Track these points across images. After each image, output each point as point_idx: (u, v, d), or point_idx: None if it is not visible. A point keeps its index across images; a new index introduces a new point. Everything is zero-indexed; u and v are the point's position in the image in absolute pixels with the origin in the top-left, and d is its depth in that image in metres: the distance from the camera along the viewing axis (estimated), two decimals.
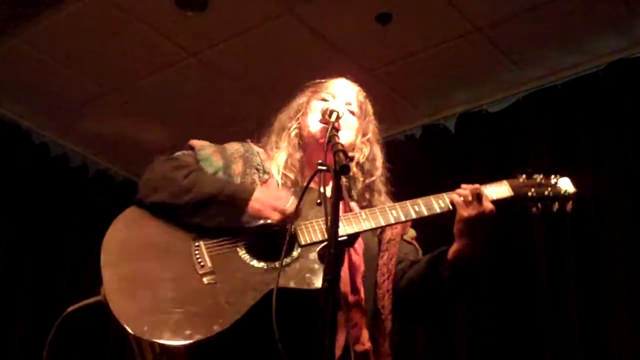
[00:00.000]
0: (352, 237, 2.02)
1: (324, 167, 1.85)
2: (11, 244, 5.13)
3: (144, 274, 1.95)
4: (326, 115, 2.15)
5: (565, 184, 2.16)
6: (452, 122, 5.00)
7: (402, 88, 4.83)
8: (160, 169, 2.18)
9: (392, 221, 2.05)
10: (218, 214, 2.02)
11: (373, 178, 2.31)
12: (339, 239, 1.78)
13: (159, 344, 1.79)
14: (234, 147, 2.31)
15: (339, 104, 2.32)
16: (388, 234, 2.23)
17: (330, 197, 1.78)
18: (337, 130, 2.11)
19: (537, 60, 4.57)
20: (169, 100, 5.15)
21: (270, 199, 2.02)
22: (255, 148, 2.34)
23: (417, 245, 2.31)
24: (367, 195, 2.28)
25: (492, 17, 4.24)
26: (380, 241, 2.22)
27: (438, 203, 2.07)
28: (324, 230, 1.96)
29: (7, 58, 4.72)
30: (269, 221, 2.01)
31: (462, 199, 2.02)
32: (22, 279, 5.13)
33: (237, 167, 2.22)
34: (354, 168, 2.29)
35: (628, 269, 3.99)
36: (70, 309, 2.07)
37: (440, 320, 4.18)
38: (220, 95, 5.05)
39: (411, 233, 2.32)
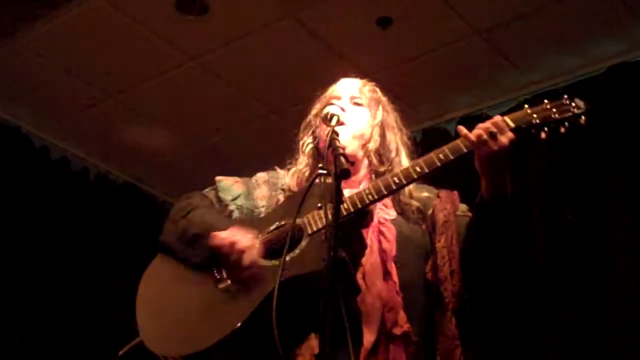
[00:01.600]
0: (362, 215, 2.04)
1: (324, 171, 1.86)
2: (11, 248, 5.12)
3: (170, 304, 2.08)
4: (326, 119, 2.15)
5: (575, 101, 2.10)
6: (453, 126, 5.00)
7: (403, 91, 4.83)
8: (173, 210, 2.28)
9: (394, 187, 2.05)
10: (198, 250, 2.10)
11: (393, 163, 2.29)
12: (344, 218, 1.87)
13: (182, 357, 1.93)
14: (258, 176, 2.37)
15: (345, 102, 2.33)
16: (440, 217, 2.19)
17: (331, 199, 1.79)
18: (338, 134, 2.10)
19: (537, 64, 4.57)
20: (170, 104, 5.15)
21: (231, 235, 2.04)
22: (281, 172, 2.38)
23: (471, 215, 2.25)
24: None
25: (492, 21, 4.24)
26: (434, 225, 2.18)
27: (438, 157, 2.08)
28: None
29: (7, 61, 4.72)
30: (281, 223, 2.08)
31: (478, 138, 2.00)
32: (22, 282, 5.12)
33: (261, 192, 2.29)
34: (371, 155, 2.29)
35: (628, 269, 3.99)
36: (121, 352, 2.20)
37: (510, 274, 4.08)
38: (221, 99, 5.05)
39: (462, 207, 2.27)
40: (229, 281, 2.02)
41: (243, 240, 2.00)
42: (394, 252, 2.09)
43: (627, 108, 4.30)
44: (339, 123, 2.14)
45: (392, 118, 2.42)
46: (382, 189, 2.04)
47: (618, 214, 4.13)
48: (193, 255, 2.10)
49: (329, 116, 2.14)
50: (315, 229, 2.01)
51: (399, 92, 4.81)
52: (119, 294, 5.41)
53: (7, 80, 4.95)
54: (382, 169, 2.28)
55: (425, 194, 2.27)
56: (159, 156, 5.66)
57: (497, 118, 2.05)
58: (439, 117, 5.09)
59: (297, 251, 1.99)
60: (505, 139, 1.99)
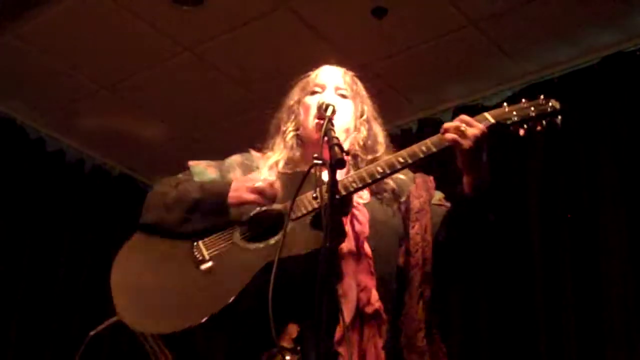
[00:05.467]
0: (344, 203, 2.06)
1: (320, 161, 1.87)
2: (6, 240, 5.12)
3: (149, 282, 2.07)
4: (322, 110, 2.15)
5: (551, 101, 2.17)
6: (448, 116, 4.99)
7: (398, 82, 4.84)
8: (154, 191, 2.28)
9: (378, 176, 2.08)
10: (206, 216, 2.10)
11: (377, 154, 2.32)
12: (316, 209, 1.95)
13: (164, 334, 1.92)
14: (232, 159, 2.35)
15: (330, 92, 2.33)
16: (416, 204, 2.23)
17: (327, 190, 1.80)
18: (333, 124, 2.11)
19: (532, 54, 4.57)
20: (164, 94, 5.15)
21: (242, 182, 2.11)
22: (256, 154, 2.37)
23: (447, 205, 2.30)
24: None
25: (487, 11, 4.24)
26: (407, 211, 2.22)
27: (421, 149, 2.11)
28: (312, 201, 2.03)
29: (2, 53, 4.71)
30: (259, 209, 2.09)
31: (455, 131, 2.06)
32: (17, 274, 5.13)
33: (234, 175, 2.27)
34: (356, 147, 2.32)
35: (624, 268, 3.99)
36: (92, 332, 2.20)
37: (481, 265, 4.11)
38: (216, 89, 5.05)
39: (438, 195, 2.31)
40: (210, 262, 2.02)
41: (260, 181, 2.06)
42: (366, 233, 2.11)
43: (622, 98, 4.30)
44: (334, 113, 2.14)
45: (372, 109, 2.44)
46: (366, 177, 2.07)
47: (613, 206, 4.13)
48: (199, 221, 2.10)
49: (324, 106, 2.14)
50: (299, 214, 2.02)
51: (394, 82, 4.82)
52: None
53: (1, 72, 4.94)
54: (366, 159, 2.30)
55: (402, 177, 2.29)
56: (154, 147, 5.66)
57: (472, 117, 2.13)
58: (434, 107, 5.09)
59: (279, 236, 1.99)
60: (476, 130, 2.06)
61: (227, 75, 4.93)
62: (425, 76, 4.83)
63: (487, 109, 5.00)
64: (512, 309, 4.30)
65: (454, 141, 2.05)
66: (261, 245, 2.01)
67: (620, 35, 4.38)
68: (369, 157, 2.31)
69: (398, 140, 5.39)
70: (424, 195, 2.26)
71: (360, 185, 2.06)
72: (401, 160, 2.10)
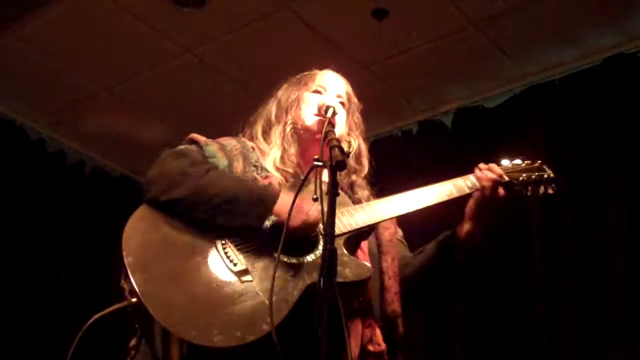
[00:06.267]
0: (371, 228, 2.07)
1: (320, 163, 1.85)
2: (7, 241, 5.12)
3: (177, 275, 1.89)
4: (322, 110, 2.15)
5: (546, 169, 2.25)
6: (449, 118, 5.00)
7: (399, 83, 4.83)
8: (175, 164, 2.09)
9: (412, 209, 2.11)
10: (242, 214, 1.94)
11: (362, 174, 2.32)
12: (362, 229, 1.92)
13: (209, 347, 1.76)
14: (231, 144, 2.27)
15: (331, 97, 2.33)
16: (386, 235, 2.23)
17: (327, 192, 1.77)
18: (333, 125, 2.11)
19: (533, 56, 4.57)
20: (165, 96, 5.15)
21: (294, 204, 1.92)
22: (249, 143, 2.32)
23: (405, 243, 2.35)
24: (350, 191, 2.26)
25: (488, 12, 4.24)
26: (379, 244, 2.21)
27: (463, 184, 2.15)
28: (348, 222, 2.00)
29: (2, 54, 4.71)
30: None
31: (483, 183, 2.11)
32: (18, 275, 5.12)
33: (239, 165, 2.18)
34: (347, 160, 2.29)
35: (624, 263, 4.00)
36: (96, 315, 1.97)
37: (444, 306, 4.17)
38: (217, 91, 5.05)
39: (400, 232, 2.35)
40: (249, 274, 1.90)
41: (312, 212, 1.92)
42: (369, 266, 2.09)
43: (623, 99, 4.30)
44: (335, 115, 2.14)
45: (361, 124, 2.43)
46: (399, 209, 2.10)
47: (614, 207, 4.13)
48: (232, 217, 1.93)
49: (325, 107, 2.14)
50: (337, 231, 1.89)
51: (394, 83, 4.82)
52: (116, 288, 5.39)
53: (2, 73, 4.93)
54: (352, 170, 2.31)
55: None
56: (155, 149, 5.62)
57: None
58: (435, 108, 5.08)
59: (317, 253, 1.95)
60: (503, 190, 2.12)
61: (227, 76, 4.93)
62: (426, 77, 4.83)
63: (488, 110, 5.04)
64: (513, 309, 4.30)
65: (484, 185, 2.11)
66: (295, 261, 1.92)
67: (621, 37, 4.37)
68: (350, 174, 2.30)
69: (398, 142, 5.42)
70: (392, 227, 2.27)
71: (384, 219, 2.09)
72: (446, 195, 2.14)
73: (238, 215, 1.95)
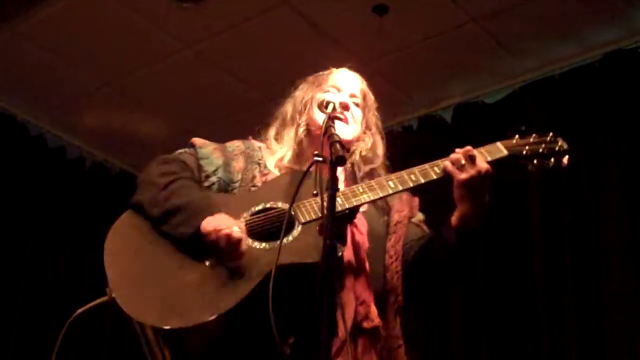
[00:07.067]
0: (352, 212, 2.05)
1: (320, 158, 1.87)
2: (7, 237, 5.12)
3: (148, 268, 2.01)
4: (322, 107, 2.16)
5: (560, 141, 2.20)
6: (449, 113, 5.01)
7: (399, 79, 4.83)
8: (151, 171, 2.22)
9: (390, 192, 2.08)
10: (178, 226, 2.02)
11: (374, 165, 2.33)
12: (339, 213, 1.89)
13: (166, 329, 1.86)
14: (234, 145, 2.32)
15: (344, 96, 2.33)
16: (395, 217, 2.24)
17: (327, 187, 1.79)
18: (339, 118, 2.14)
19: (533, 51, 4.57)
20: (165, 92, 5.15)
21: (222, 222, 1.97)
22: (257, 144, 2.35)
23: (425, 228, 2.31)
24: (369, 178, 2.26)
25: (488, 8, 4.24)
26: (388, 224, 2.23)
27: (434, 170, 2.10)
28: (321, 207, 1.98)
29: (3, 49, 4.71)
30: (268, 205, 2.06)
31: (455, 163, 2.05)
32: (18, 272, 5.13)
33: (238, 164, 2.23)
34: (357, 157, 2.32)
35: (624, 260, 4.00)
36: (79, 310, 2.10)
37: (444, 298, 4.15)
38: (217, 87, 5.05)
39: (419, 216, 2.32)
40: (215, 257, 1.97)
41: (235, 230, 1.93)
42: (366, 245, 2.11)
43: (623, 95, 4.30)
44: (335, 110, 2.15)
45: (378, 121, 2.45)
46: (378, 191, 2.07)
47: (614, 204, 4.12)
48: (175, 228, 2.02)
49: (325, 103, 2.14)
50: (308, 218, 2.00)
51: (395, 79, 4.82)
52: None
53: (3, 68, 4.94)
54: (363, 167, 2.32)
55: None
56: (155, 144, 5.65)
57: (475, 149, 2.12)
58: (435, 104, 5.08)
59: (290, 238, 1.98)
60: (483, 163, 2.06)
61: (228, 72, 4.93)
62: (426, 73, 4.83)
63: (488, 106, 5.04)
64: (513, 309, 4.30)
65: (449, 172, 2.06)
66: (267, 246, 1.98)
67: (621, 33, 4.37)
68: (367, 168, 2.32)
69: (399, 138, 5.42)
70: (405, 210, 2.27)
71: (372, 198, 2.06)
72: (413, 178, 2.10)
73: (174, 227, 2.03)
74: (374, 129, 2.40)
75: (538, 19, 4.28)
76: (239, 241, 1.93)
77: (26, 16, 4.43)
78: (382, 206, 2.26)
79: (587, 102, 4.42)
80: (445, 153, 2.13)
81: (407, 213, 2.26)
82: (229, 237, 1.91)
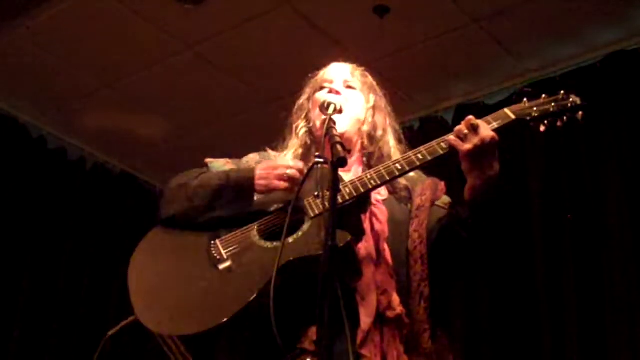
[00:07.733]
0: (362, 200, 2.05)
1: (321, 160, 1.87)
2: (8, 238, 5.12)
3: (167, 282, 2.05)
4: (323, 108, 2.16)
5: (572, 97, 2.14)
6: (450, 114, 5.00)
7: (400, 80, 4.83)
8: (171, 185, 2.23)
9: (397, 173, 2.07)
10: (230, 202, 2.08)
11: (385, 145, 2.33)
12: (348, 202, 1.93)
13: (182, 336, 1.90)
14: (249, 157, 2.36)
15: (338, 84, 2.34)
16: (417, 201, 2.22)
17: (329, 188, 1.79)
18: (335, 122, 2.12)
19: (534, 52, 4.57)
20: (166, 93, 5.15)
21: (271, 169, 2.07)
22: (272, 153, 2.38)
23: (448, 210, 2.27)
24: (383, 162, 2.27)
25: (489, 9, 4.24)
26: (410, 210, 2.21)
27: (440, 145, 2.08)
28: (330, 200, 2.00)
29: (4, 51, 4.71)
30: (280, 207, 2.09)
31: (458, 134, 2.03)
32: (19, 273, 5.13)
33: None
34: (364, 138, 2.32)
35: (626, 260, 3.99)
36: (110, 332, 2.18)
37: (472, 279, 4.15)
38: (218, 88, 5.05)
39: (444, 199, 2.29)
40: (229, 262, 2.01)
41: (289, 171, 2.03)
42: (386, 234, 2.11)
43: (625, 96, 4.30)
44: (336, 111, 2.15)
45: (382, 101, 2.45)
46: (385, 175, 2.06)
47: (616, 204, 4.12)
48: (223, 207, 2.07)
49: (326, 104, 2.15)
50: (317, 212, 2.02)
51: (396, 80, 4.81)
52: (116, 284, 5.41)
53: (4, 70, 4.94)
54: (371, 150, 2.32)
55: (414, 175, 2.29)
56: (156, 145, 5.66)
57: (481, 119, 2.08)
58: (436, 105, 5.08)
59: (299, 233, 2.00)
60: (482, 135, 2.00)
61: (228, 73, 4.92)
62: (427, 74, 4.83)
63: (489, 107, 5.04)
64: (515, 308, 4.30)
65: (453, 145, 2.03)
66: (278, 244, 1.98)
67: (623, 34, 4.37)
68: (373, 147, 2.31)
69: None
70: (428, 194, 2.24)
71: (379, 183, 2.05)
72: (420, 157, 2.08)
73: (226, 205, 2.08)
74: (376, 107, 2.40)
75: (539, 20, 4.28)
76: (300, 170, 2.03)
77: (27, 18, 4.43)
78: (404, 195, 2.25)
79: (589, 103, 4.40)
80: (449, 156, 2.11)
81: (429, 196, 2.23)
82: (288, 167, 2.02)
